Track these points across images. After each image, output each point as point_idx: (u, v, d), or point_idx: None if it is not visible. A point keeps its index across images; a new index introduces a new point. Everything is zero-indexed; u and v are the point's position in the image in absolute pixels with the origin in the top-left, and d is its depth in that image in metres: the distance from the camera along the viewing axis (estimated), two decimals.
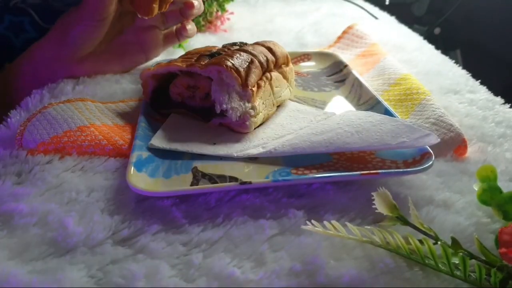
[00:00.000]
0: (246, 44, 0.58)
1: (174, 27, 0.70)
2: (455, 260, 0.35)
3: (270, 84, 0.55)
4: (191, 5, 0.66)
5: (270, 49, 0.57)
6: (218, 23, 0.93)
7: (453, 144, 0.50)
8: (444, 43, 1.15)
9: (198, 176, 0.45)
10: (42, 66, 0.65)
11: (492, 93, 0.64)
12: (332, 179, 0.44)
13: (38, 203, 0.42)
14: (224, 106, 0.50)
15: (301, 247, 0.37)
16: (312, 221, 0.37)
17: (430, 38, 0.95)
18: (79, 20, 0.61)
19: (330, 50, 0.76)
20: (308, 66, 0.71)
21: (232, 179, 0.44)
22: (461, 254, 0.34)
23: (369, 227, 0.37)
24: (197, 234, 0.39)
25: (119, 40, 0.67)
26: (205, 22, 0.93)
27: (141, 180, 0.43)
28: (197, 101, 0.54)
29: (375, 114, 0.50)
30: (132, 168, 0.44)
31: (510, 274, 0.33)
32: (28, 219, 0.40)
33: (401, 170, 0.44)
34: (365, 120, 0.49)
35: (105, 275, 0.35)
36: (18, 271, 0.34)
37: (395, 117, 0.51)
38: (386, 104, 0.55)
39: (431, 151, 0.46)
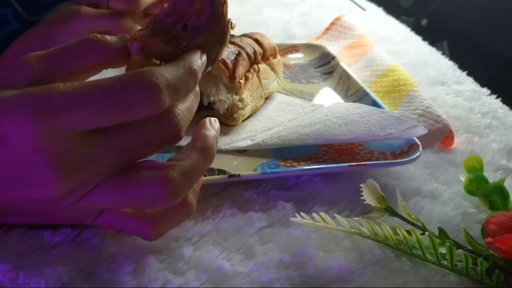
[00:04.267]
0: (233, 36, 0.58)
1: None
2: (442, 250, 0.35)
3: (258, 76, 0.55)
4: None
5: (257, 41, 0.57)
6: None
7: (440, 135, 0.51)
8: (431, 34, 1.16)
9: None
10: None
11: (478, 84, 0.64)
12: (321, 171, 0.44)
13: None
14: (212, 98, 0.50)
15: (290, 239, 0.37)
16: (301, 213, 0.37)
17: (417, 29, 0.95)
18: (71, 33, 0.62)
19: (318, 42, 0.76)
20: (296, 58, 0.71)
21: (220, 171, 0.44)
22: (448, 244, 0.35)
23: (357, 218, 0.38)
24: (190, 227, 0.38)
25: None
26: None
27: None
28: None
29: (363, 106, 0.50)
30: None
31: (496, 263, 0.34)
32: None
33: (389, 161, 0.45)
34: (353, 112, 0.49)
35: (92, 269, 0.34)
36: None
37: (383, 108, 0.51)
38: (374, 95, 0.55)
39: (419, 142, 0.46)
